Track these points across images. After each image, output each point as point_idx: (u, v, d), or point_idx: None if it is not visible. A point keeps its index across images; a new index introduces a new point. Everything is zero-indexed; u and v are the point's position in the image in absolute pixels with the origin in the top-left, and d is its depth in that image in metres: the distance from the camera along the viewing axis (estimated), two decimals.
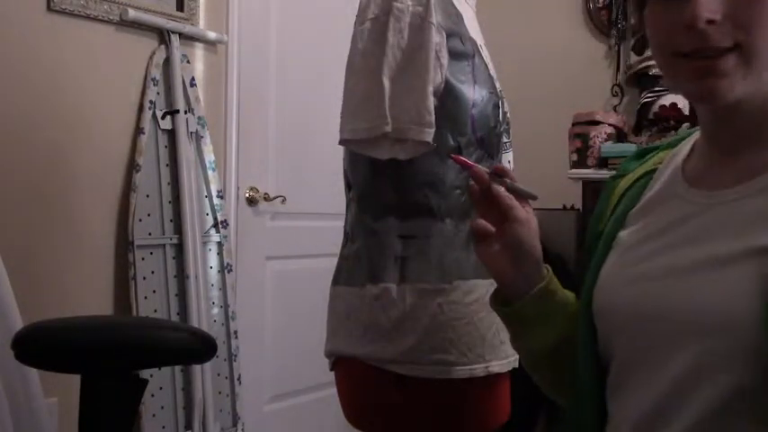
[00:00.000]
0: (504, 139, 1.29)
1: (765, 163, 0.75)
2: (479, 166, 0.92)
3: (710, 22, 0.70)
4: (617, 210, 0.90)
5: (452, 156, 0.97)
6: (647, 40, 0.80)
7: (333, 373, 1.28)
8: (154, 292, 2.22)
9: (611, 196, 0.94)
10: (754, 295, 0.67)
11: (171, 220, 2.29)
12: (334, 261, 1.30)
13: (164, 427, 2.21)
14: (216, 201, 2.42)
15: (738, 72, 0.72)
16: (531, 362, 0.96)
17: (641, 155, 0.96)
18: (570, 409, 0.91)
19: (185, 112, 2.31)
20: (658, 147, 0.95)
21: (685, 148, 0.87)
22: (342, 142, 1.18)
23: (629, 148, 2.69)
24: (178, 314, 2.28)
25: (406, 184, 1.18)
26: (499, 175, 0.91)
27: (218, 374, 2.38)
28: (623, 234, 0.85)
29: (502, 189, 0.90)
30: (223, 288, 2.42)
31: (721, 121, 0.79)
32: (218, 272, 2.42)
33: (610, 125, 2.81)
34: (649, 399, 0.75)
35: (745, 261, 0.69)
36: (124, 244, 2.20)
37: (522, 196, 0.92)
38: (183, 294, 2.28)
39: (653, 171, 0.89)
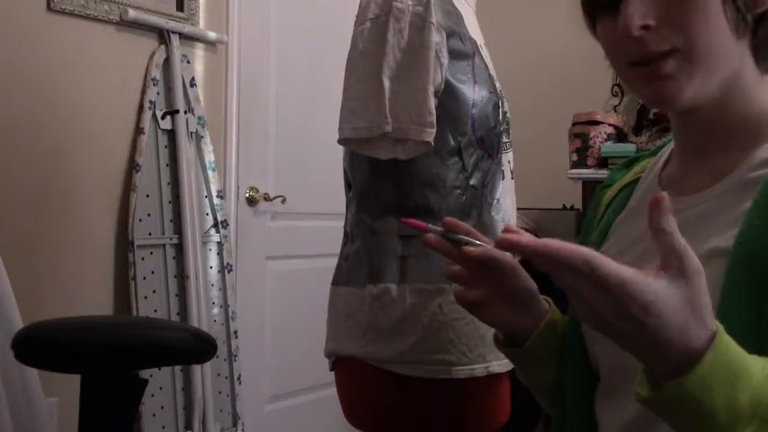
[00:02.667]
0: (504, 139, 1.28)
1: (730, 166, 0.75)
2: (431, 230, 0.84)
3: (645, 27, 0.71)
4: (602, 221, 0.90)
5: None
6: None
7: (333, 373, 1.28)
8: (154, 292, 2.23)
9: (598, 207, 0.94)
10: None
11: (171, 220, 2.29)
12: (334, 261, 1.30)
13: (164, 427, 2.21)
14: (216, 201, 2.42)
15: (683, 73, 0.73)
16: (548, 395, 0.94)
17: (630, 164, 0.96)
18: (559, 418, 0.90)
19: (185, 112, 2.31)
20: (644, 155, 0.95)
21: (664, 155, 0.88)
22: (341, 141, 1.18)
23: (629, 148, 2.69)
24: (178, 314, 2.28)
25: (406, 184, 1.18)
26: (449, 236, 0.84)
27: (218, 374, 2.38)
28: (605, 247, 0.85)
29: (475, 249, 0.82)
30: (223, 288, 2.42)
31: (688, 125, 0.80)
32: (219, 272, 2.42)
33: (610, 125, 2.81)
34: (634, 408, 0.74)
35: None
36: (124, 244, 2.20)
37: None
38: (183, 294, 2.28)
39: (636, 180, 0.89)
